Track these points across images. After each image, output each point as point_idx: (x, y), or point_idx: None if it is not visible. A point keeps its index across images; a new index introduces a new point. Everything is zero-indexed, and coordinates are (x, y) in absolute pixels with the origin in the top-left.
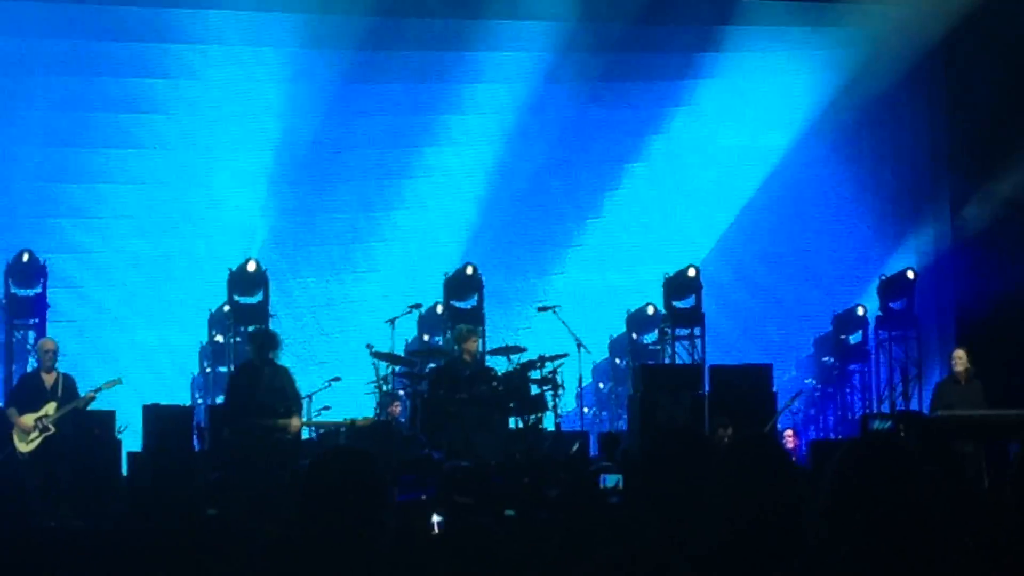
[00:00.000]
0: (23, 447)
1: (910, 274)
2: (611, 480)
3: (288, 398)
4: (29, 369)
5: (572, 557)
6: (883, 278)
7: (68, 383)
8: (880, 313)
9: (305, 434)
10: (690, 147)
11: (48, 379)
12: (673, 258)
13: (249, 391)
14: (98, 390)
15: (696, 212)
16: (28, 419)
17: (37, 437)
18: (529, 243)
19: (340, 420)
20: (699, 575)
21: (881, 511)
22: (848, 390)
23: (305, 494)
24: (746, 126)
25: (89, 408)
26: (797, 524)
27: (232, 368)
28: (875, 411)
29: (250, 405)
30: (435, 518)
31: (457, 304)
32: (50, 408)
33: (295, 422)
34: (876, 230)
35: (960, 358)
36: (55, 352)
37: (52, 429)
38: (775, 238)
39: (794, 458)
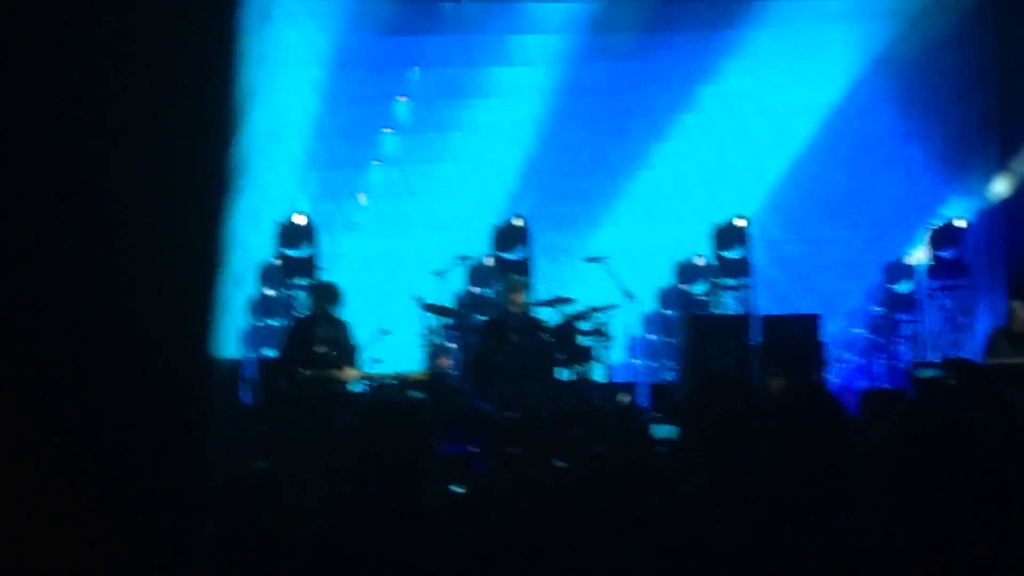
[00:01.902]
0: None
1: (961, 223)
2: (661, 431)
3: (345, 351)
4: None
5: (622, 507)
6: (933, 227)
7: None
8: (931, 262)
9: (358, 387)
10: (741, 97)
11: None
12: (722, 209)
13: (306, 343)
14: None
15: (746, 162)
16: None
17: None
18: (578, 194)
19: (391, 373)
20: (749, 526)
21: (932, 466)
22: (898, 340)
23: (352, 446)
24: (798, 76)
25: None
26: (849, 474)
27: (284, 322)
28: (925, 360)
29: (306, 357)
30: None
31: (505, 256)
32: None
33: (349, 372)
34: (927, 179)
35: (1019, 312)
36: None
37: None
38: (825, 188)
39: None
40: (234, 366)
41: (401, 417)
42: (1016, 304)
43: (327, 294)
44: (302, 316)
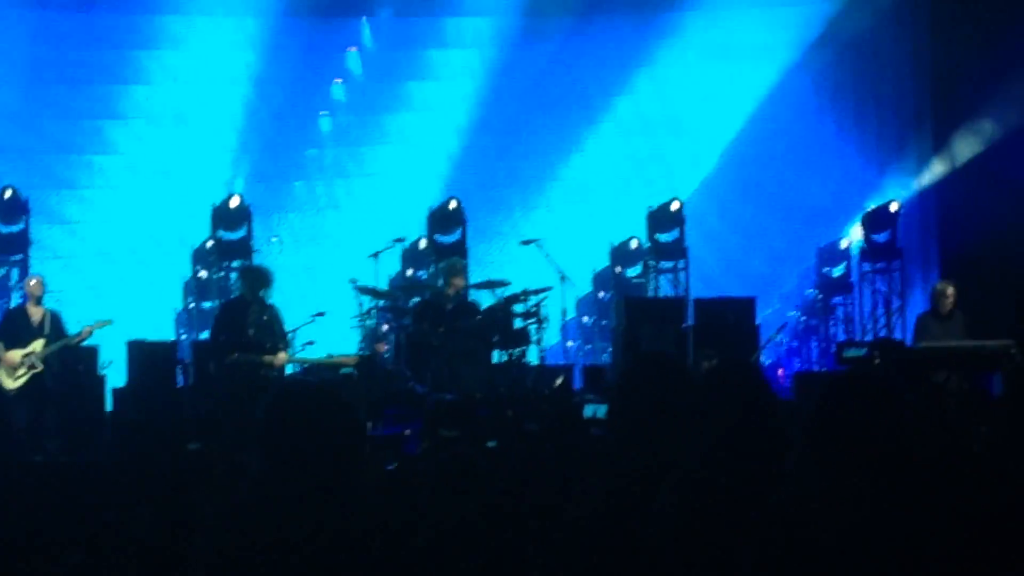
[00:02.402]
0: (9, 383)
1: (893, 206)
2: (594, 410)
3: (275, 335)
4: (13, 305)
5: (556, 486)
6: (867, 211)
7: (55, 319)
8: (864, 245)
9: (290, 370)
10: (675, 81)
11: (35, 315)
12: (657, 192)
13: (237, 327)
14: (89, 330)
15: (681, 147)
16: (15, 355)
17: (24, 374)
18: (512, 177)
19: (323, 356)
20: (680, 501)
21: (860, 442)
22: (832, 322)
23: (265, 430)
24: (731, 61)
25: None
26: (778, 451)
27: (217, 303)
28: (854, 340)
29: (237, 341)
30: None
31: (441, 238)
32: (37, 345)
33: (281, 357)
34: (860, 164)
35: (947, 292)
36: (42, 287)
37: (40, 366)
38: (759, 172)
39: (776, 389)
40: (170, 348)
41: (316, 399)
42: (939, 285)
43: (258, 277)
44: (232, 299)
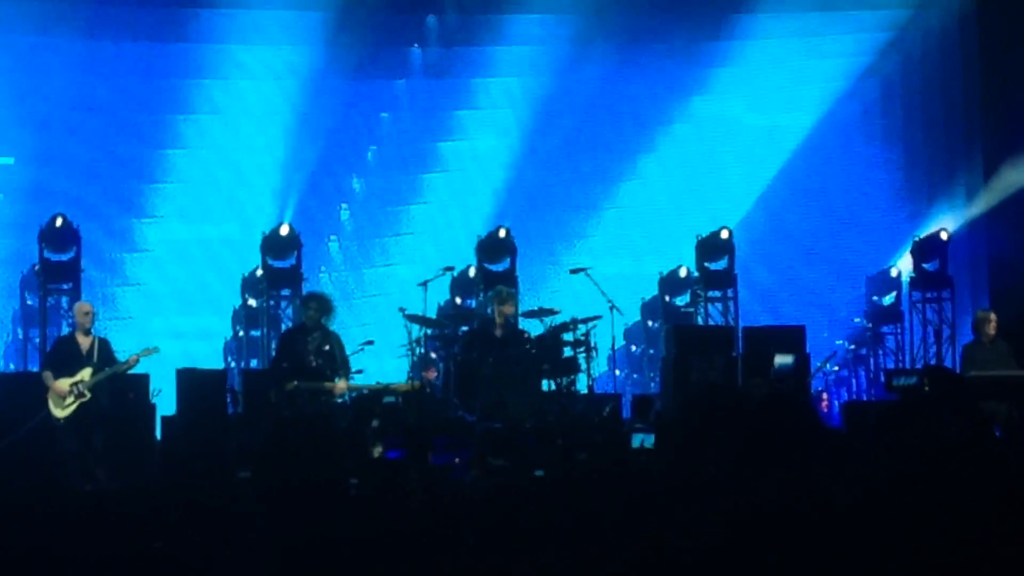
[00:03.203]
0: (59, 412)
1: (943, 235)
2: (642, 440)
3: (336, 362)
4: (63, 334)
5: (603, 516)
6: (916, 239)
7: (104, 347)
8: (913, 274)
9: (344, 397)
10: (724, 111)
11: (84, 343)
12: (706, 221)
13: (298, 354)
14: (136, 358)
15: (729, 176)
16: (64, 384)
17: (73, 402)
18: (562, 206)
19: (373, 384)
20: (729, 532)
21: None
22: (881, 351)
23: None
24: (783, 91)
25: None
26: (829, 484)
27: (267, 332)
28: (903, 368)
29: (298, 368)
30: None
31: (490, 267)
32: (86, 373)
33: (340, 385)
34: (909, 192)
35: (989, 319)
36: (92, 315)
37: (88, 395)
38: (809, 202)
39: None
40: (220, 376)
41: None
42: (980, 313)
43: (321, 304)
44: (293, 326)
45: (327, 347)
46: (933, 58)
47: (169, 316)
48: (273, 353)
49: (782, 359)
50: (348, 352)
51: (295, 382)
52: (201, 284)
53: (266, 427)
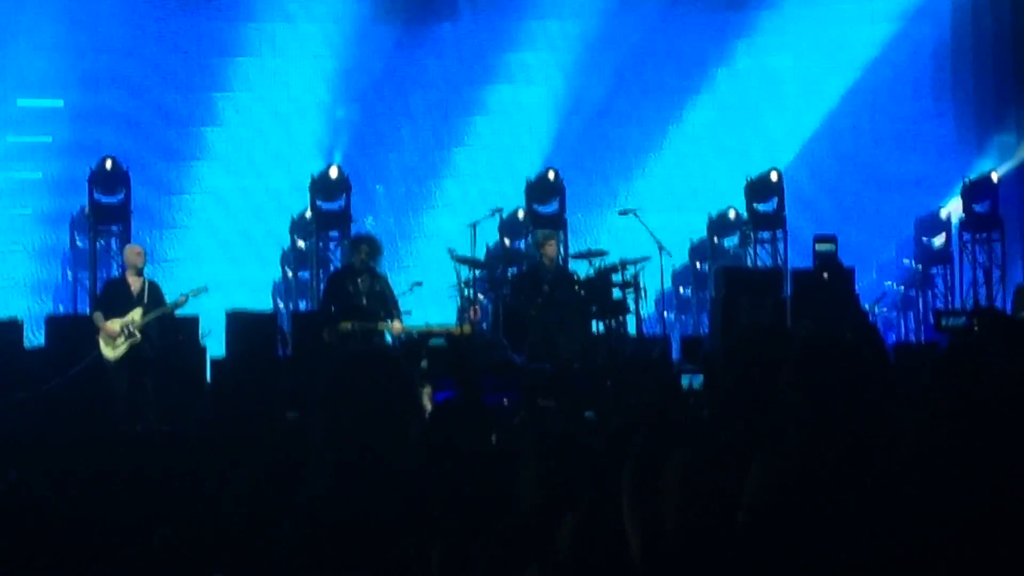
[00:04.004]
0: (109, 352)
1: (994, 176)
2: (690, 380)
3: (388, 303)
4: (113, 275)
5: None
6: (967, 181)
7: (154, 289)
8: (963, 216)
9: (388, 339)
10: (774, 51)
11: (135, 285)
12: (755, 162)
13: (348, 295)
14: (185, 297)
15: (779, 116)
16: (114, 324)
17: (123, 343)
18: (610, 148)
19: (423, 325)
20: (778, 474)
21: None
22: (930, 293)
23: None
24: (831, 30)
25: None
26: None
27: (316, 274)
28: (953, 309)
29: (351, 308)
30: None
31: (539, 208)
32: (136, 314)
33: (397, 325)
34: (959, 133)
35: None
36: (143, 256)
37: (138, 336)
38: (858, 143)
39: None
40: (269, 319)
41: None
42: None
43: (370, 246)
44: (341, 268)
45: (377, 288)
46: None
47: (217, 259)
48: (321, 295)
49: (823, 246)
50: (397, 293)
51: (349, 323)
52: (249, 226)
53: (327, 366)
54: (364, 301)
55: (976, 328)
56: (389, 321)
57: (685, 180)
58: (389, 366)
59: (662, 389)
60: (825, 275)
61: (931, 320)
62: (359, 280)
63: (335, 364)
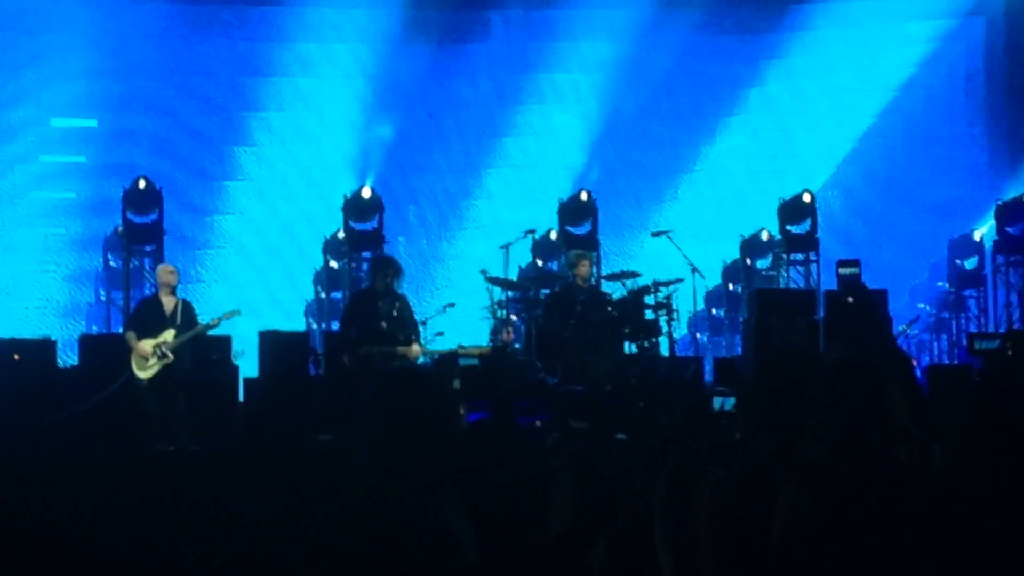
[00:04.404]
0: (142, 373)
1: None
2: (722, 403)
3: (408, 326)
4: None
5: (684, 479)
6: (1000, 203)
7: (187, 309)
8: (997, 238)
9: (420, 360)
10: (807, 73)
11: (168, 304)
12: (788, 184)
13: (368, 318)
14: (218, 320)
15: (812, 138)
16: (147, 345)
17: (156, 363)
18: (643, 169)
19: (453, 347)
20: (807, 495)
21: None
22: (963, 316)
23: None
24: (864, 53)
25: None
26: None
27: (349, 293)
28: (986, 332)
29: (371, 331)
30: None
31: (571, 230)
32: (169, 335)
33: (415, 348)
34: (992, 155)
35: None
36: (176, 276)
37: (170, 356)
38: (890, 165)
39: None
40: (302, 338)
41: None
42: None
43: (390, 267)
44: (361, 290)
45: (397, 311)
46: (1018, 18)
47: (250, 279)
48: (341, 318)
49: (845, 270)
50: (430, 315)
51: (368, 346)
52: (282, 246)
53: (370, 383)
54: (384, 325)
55: (1010, 351)
56: (409, 344)
57: (718, 202)
58: (431, 383)
59: (693, 411)
60: (850, 299)
61: (964, 343)
62: (380, 303)
63: (377, 381)
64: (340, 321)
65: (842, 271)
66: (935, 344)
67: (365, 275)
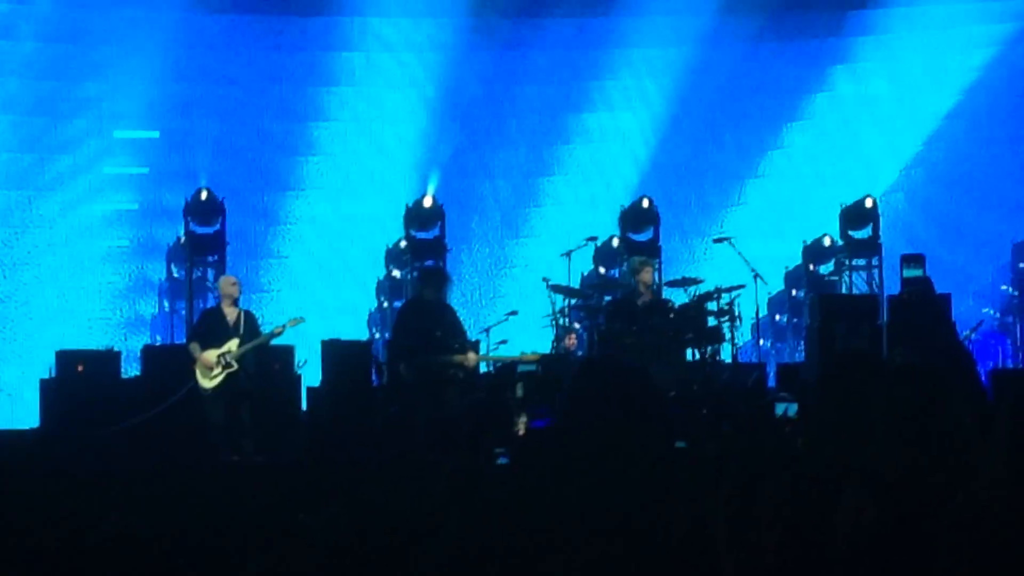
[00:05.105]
0: (206, 383)
1: None
2: (785, 408)
3: (462, 334)
4: (209, 306)
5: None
6: None
7: (250, 319)
8: None
9: (482, 368)
10: (873, 76)
11: (231, 315)
12: (853, 188)
13: (423, 328)
14: (282, 328)
15: (878, 141)
16: (211, 355)
17: (220, 373)
18: (704, 176)
19: (514, 355)
20: (863, 502)
21: None
22: None
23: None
24: (930, 55)
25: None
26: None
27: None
28: None
29: (428, 341)
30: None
31: (633, 236)
32: (232, 344)
33: (472, 357)
34: None
35: None
36: (238, 287)
37: (235, 366)
38: (956, 167)
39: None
40: (364, 348)
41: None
42: None
43: (440, 278)
44: (412, 300)
45: (449, 319)
46: None
47: (313, 288)
48: (396, 328)
49: (911, 271)
50: (492, 323)
51: (424, 356)
52: (345, 256)
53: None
54: (439, 334)
55: None
56: (465, 353)
57: (780, 207)
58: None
59: (756, 417)
60: (906, 295)
61: None
62: (431, 312)
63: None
64: (394, 331)
65: (907, 272)
66: (999, 348)
67: (414, 285)
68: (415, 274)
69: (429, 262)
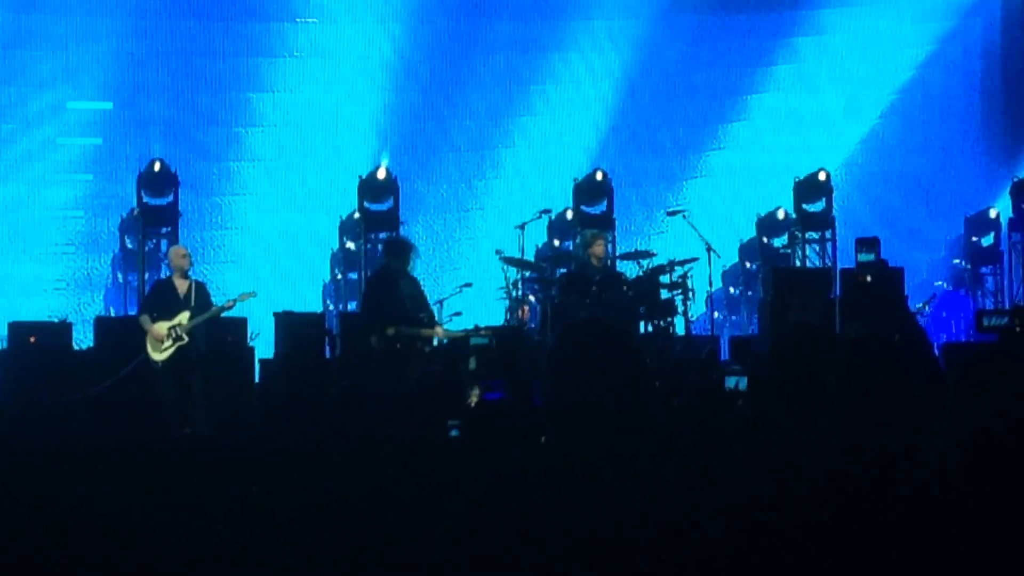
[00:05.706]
0: (156, 355)
1: None
2: (736, 382)
3: (427, 306)
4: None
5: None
6: (1016, 180)
7: (201, 291)
8: (1012, 216)
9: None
10: (828, 53)
11: (182, 287)
12: (804, 162)
13: (393, 299)
14: (233, 302)
15: (830, 118)
16: (162, 327)
17: (171, 346)
18: (659, 149)
19: (469, 327)
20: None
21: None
22: (980, 293)
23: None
24: (885, 33)
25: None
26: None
27: (366, 275)
28: (996, 309)
29: (396, 313)
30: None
31: (587, 209)
32: (183, 317)
33: (440, 330)
34: (1010, 133)
35: None
36: (188, 258)
37: (185, 339)
38: (908, 142)
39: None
40: (318, 320)
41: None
42: None
43: (408, 249)
44: (380, 271)
45: (416, 292)
46: None
47: (267, 260)
48: (365, 299)
49: (865, 255)
50: (446, 295)
51: (393, 328)
52: (298, 227)
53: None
54: (408, 306)
55: (1018, 328)
56: (432, 326)
57: (733, 181)
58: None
59: (708, 390)
60: (868, 278)
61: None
62: (400, 284)
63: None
64: (363, 303)
65: (861, 257)
66: (952, 321)
67: (379, 256)
68: (370, 246)
69: (383, 234)
